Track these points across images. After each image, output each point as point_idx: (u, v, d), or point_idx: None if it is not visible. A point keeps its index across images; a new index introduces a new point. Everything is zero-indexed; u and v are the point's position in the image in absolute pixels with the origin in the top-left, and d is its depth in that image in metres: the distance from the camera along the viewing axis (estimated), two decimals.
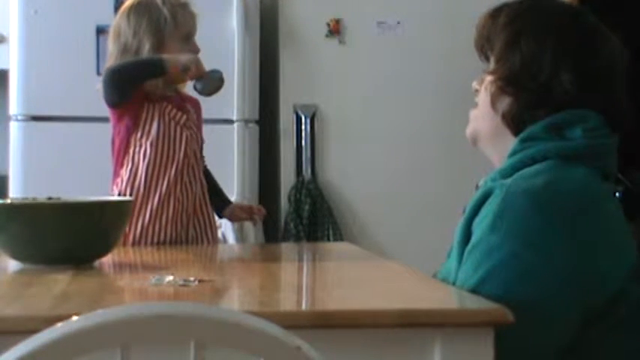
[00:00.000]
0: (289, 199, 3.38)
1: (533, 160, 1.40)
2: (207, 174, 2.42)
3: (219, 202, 2.41)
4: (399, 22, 3.50)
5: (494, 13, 1.52)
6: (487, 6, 1.55)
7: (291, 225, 3.33)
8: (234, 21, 3.33)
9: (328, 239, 3.31)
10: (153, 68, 2.23)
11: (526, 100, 1.45)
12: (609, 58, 1.46)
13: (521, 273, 1.30)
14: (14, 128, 3.25)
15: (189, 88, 2.39)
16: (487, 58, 1.54)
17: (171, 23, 2.27)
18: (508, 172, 1.41)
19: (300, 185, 3.38)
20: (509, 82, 1.46)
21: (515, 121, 1.46)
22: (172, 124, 2.27)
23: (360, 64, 3.48)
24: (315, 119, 3.44)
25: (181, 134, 2.27)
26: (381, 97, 3.49)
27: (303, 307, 1.39)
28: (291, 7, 3.47)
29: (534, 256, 1.30)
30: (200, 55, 2.30)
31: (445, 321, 1.17)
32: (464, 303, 1.28)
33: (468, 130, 1.58)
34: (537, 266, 1.30)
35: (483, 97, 1.53)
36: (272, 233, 3.35)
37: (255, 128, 3.39)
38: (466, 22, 3.51)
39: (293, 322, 1.08)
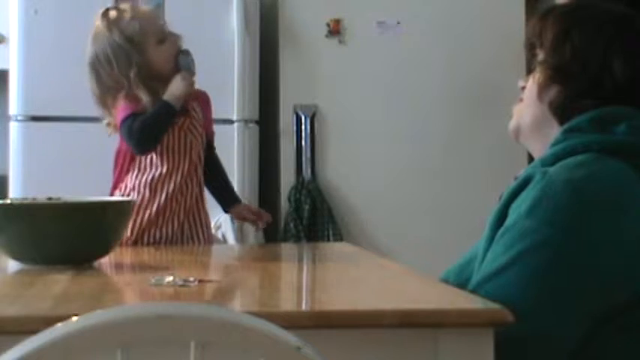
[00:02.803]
0: (289, 199, 3.38)
1: (574, 151, 1.41)
2: (218, 168, 2.42)
3: (227, 197, 2.41)
4: (399, 22, 3.50)
5: (545, 12, 1.54)
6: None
7: (291, 225, 3.33)
8: (234, 21, 3.33)
9: (328, 239, 3.31)
10: (168, 116, 2.23)
11: (575, 89, 1.46)
12: None
13: (553, 259, 1.30)
14: (14, 128, 3.25)
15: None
16: (533, 60, 1.55)
17: (139, 38, 2.25)
18: (549, 161, 1.42)
19: (300, 185, 3.38)
20: (558, 71, 1.48)
21: (561, 111, 1.48)
22: (176, 129, 2.26)
23: (360, 64, 3.47)
24: (315, 119, 3.44)
25: (186, 139, 2.27)
26: (381, 97, 3.49)
27: (303, 307, 1.39)
28: (291, 7, 3.46)
29: (568, 245, 1.31)
30: (198, 53, 2.31)
31: (445, 321, 1.17)
32: (464, 303, 1.28)
33: (511, 124, 1.58)
34: (570, 254, 1.30)
35: (530, 88, 1.53)
36: (272, 233, 3.35)
37: (255, 128, 3.39)
38: (466, 23, 3.55)
39: (293, 322, 1.07)
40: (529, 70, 1.57)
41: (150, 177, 2.26)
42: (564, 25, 1.50)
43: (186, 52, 2.29)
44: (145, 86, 2.23)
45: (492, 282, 1.32)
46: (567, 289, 1.30)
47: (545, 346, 1.30)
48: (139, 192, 2.26)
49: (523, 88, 1.56)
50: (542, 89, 1.50)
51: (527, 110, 1.54)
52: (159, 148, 2.25)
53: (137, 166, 2.28)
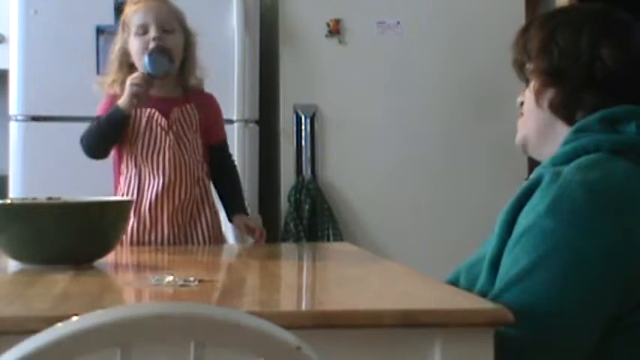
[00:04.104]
0: (289, 199, 3.38)
1: (585, 151, 1.42)
2: (227, 173, 2.42)
3: (231, 206, 2.39)
4: (399, 22, 3.50)
5: (525, 27, 1.58)
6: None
7: (291, 225, 3.33)
8: (234, 21, 3.33)
9: (328, 239, 3.31)
10: (114, 121, 2.23)
11: (570, 84, 1.48)
12: None
13: (575, 261, 1.31)
14: (14, 128, 3.25)
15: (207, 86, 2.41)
16: (524, 74, 1.58)
17: (126, 29, 2.32)
18: (559, 160, 1.44)
19: (300, 185, 3.38)
20: (550, 73, 1.50)
21: (564, 108, 1.50)
22: (159, 129, 2.27)
23: (360, 64, 3.47)
24: (315, 119, 3.44)
25: (164, 139, 2.27)
26: (381, 97, 3.49)
27: (303, 307, 1.39)
28: (291, 7, 3.46)
29: (587, 247, 1.31)
30: (198, 53, 2.34)
31: (445, 321, 1.17)
32: (464, 303, 1.28)
33: (517, 138, 1.61)
34: (589, 257, 1.31)
35: (528, 99, 1.56)
36: (272, 233, 3.35)
37: (255, 128, 3.39)
38: (466, 23, 3.54)
39: (293, 322, 1.08)
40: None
41: (135, 180, 2.27)
42: (546, 31, 1.53)
43: (156, 53, 2.25)
44: (119, 65, 2.30)
45: (518, 286, 1.32)
46: (591, 291, 1.30)
47: (574, 347, 1.31)
48: (127, 194, 2.27)
49: (522, 104, 1.59)
50: (539, 95, 1.53)
51: (529, 119, 1.56)
52: (135, 151, 2.26)
53: (125, 166, 2.29)
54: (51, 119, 3.25)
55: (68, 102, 3.22)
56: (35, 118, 3.25)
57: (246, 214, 2.42)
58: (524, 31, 1.57)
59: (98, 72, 3.19)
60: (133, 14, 2.30)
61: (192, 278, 1.45)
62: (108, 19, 3.24)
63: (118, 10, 3.25)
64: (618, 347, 1.35)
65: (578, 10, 1.56)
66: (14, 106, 3.24)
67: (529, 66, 1.55)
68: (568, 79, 1.48)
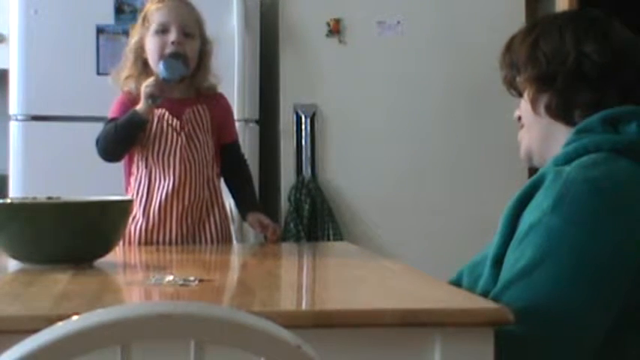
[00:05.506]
0: (289, 199, 3.38)
1: (586, 151, 1.44)
2: (238, 172, 2.41)
3: (243, 204, 2.40)
4: (399, 22, 3.50)
5: (508, 44, 1.62)
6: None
7: (291, 225, 3.33)
8: (234, 21, 3.33)
9: (328, 239, 3.31)
10: (131, 127, 2.23)
11: (564, 85, 1.51)
12: (628, 35, 1.54)
13: (579, 258, 1.31)
14: (14, 128, 3.25)
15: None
16: (517, 89, 1.61)
17: (146, 24, 2.31)
18: (561, 160, 1.45)
19: (300, 185, 3.38)
20: (541, 79, 1.53)
21: (561, 110, 1.52)
22: (170, 130, 2.27)
23: (360, 64, 3.47)
24: (315, 119, 3.44)
25: (176, 140, 2.27)
26: (381, 97, 3.49)
27: (304, 306, 1.39)
28: (291, 7, 3.46)
29: (592, 244, 1.32)
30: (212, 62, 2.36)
31: (445, 321, 1.17)
32: (464, 303, 1.28)
33: (521, 151, 1.63)
34: (594, 254, 1.31)
35: (525, 110, 1.59)
36: None
37: (255, 128, 3.39)
38: (466, 22, 3.54)
39: (293, 321, 1.08)
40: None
41: (145, 180, 2.27)
42: (529, 42, 1.56)
43: (172, 58, 2.25)
44: (134, 60, 2.29)
45: (523, 282, 1.33)
46: (596, 288, 1.31)
47: (578, 344, 1.31)
48: (137, 194, 2.27)
49: (519, 118, 1.62)
50: (535, 103, 1.55)
51: (530, 129, 1.59)
52: (147, 152, 2.26)
53: (136, 167, 2.29)
54: (51, 119, 3.25)
55: (68, 102, 3.22)
56: (35, 118, 3.25)
57: (259, 211, 2.41)
58: (508, 48, 1.61)
59: (98, 72, 3.20)
60: (156, 11, 2.30)
61: (192, 278, 1.45)
62: (108, 19, 3.25)
63: (118, 10, 3.25)
64: (625, 344, 1.35)
65: (555, 17, 1.60)
66: (14, 105, 3.24)
67: (519, 79, 1.58)
68: (559, 81, 1.51)
